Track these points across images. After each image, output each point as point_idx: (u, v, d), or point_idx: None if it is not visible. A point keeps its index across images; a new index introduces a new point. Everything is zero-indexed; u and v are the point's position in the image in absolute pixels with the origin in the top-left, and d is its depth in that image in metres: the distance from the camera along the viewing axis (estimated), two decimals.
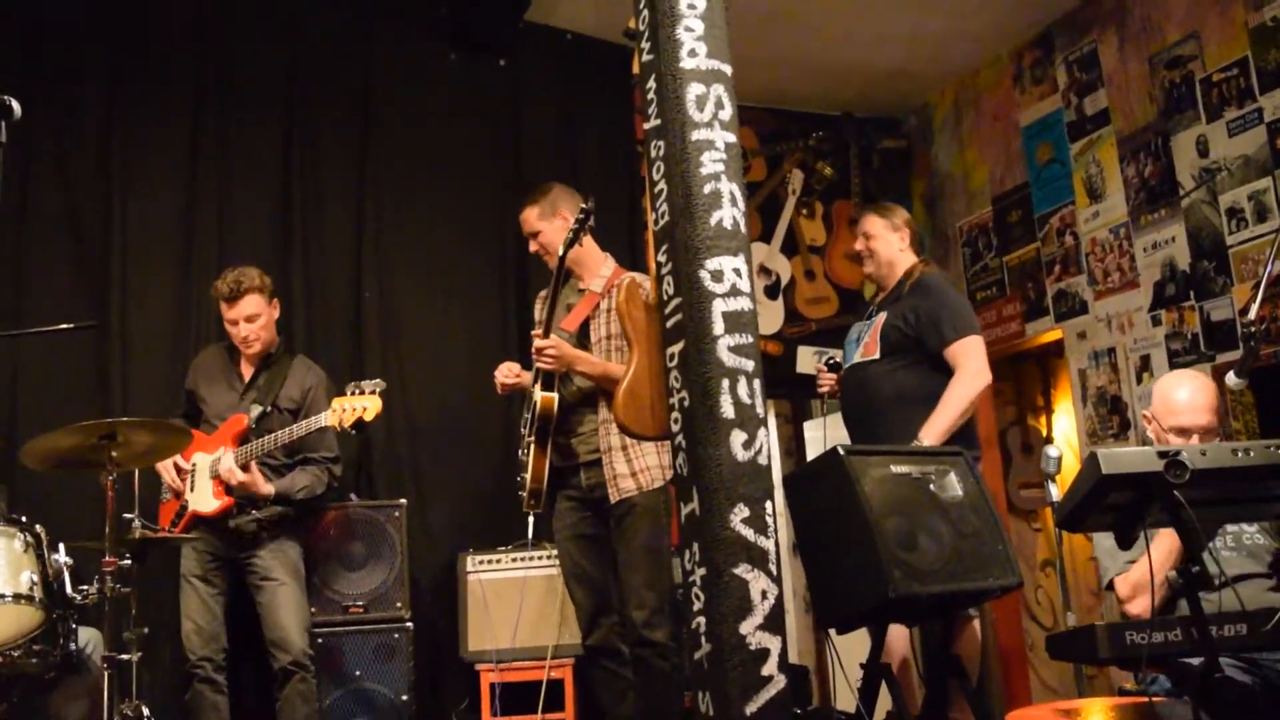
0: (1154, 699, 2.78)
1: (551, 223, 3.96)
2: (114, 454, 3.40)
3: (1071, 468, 3.21)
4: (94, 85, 4.93)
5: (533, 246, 4.05)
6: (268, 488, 4.07)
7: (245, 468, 4.00)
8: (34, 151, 4.70)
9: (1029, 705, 5.29)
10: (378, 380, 3.94)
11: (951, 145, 6.45)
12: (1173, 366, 4.92)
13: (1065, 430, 6.25)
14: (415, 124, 5.50)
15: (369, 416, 3.86)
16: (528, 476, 3.79)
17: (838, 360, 4.52)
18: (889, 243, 4.31)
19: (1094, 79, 5.50)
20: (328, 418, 3.89)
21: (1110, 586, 3.28)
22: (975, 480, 3.27)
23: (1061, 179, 5.69)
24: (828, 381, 4.46)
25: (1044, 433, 6.47)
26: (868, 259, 4.37)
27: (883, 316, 4.20)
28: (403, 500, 4.68)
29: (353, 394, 3.89)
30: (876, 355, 4.15)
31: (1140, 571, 3.10)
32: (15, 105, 2.52)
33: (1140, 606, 3.10)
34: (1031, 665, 5.92)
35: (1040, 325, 5.78)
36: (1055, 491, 3.43)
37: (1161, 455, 2.35)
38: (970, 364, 3.98)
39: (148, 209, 4.95)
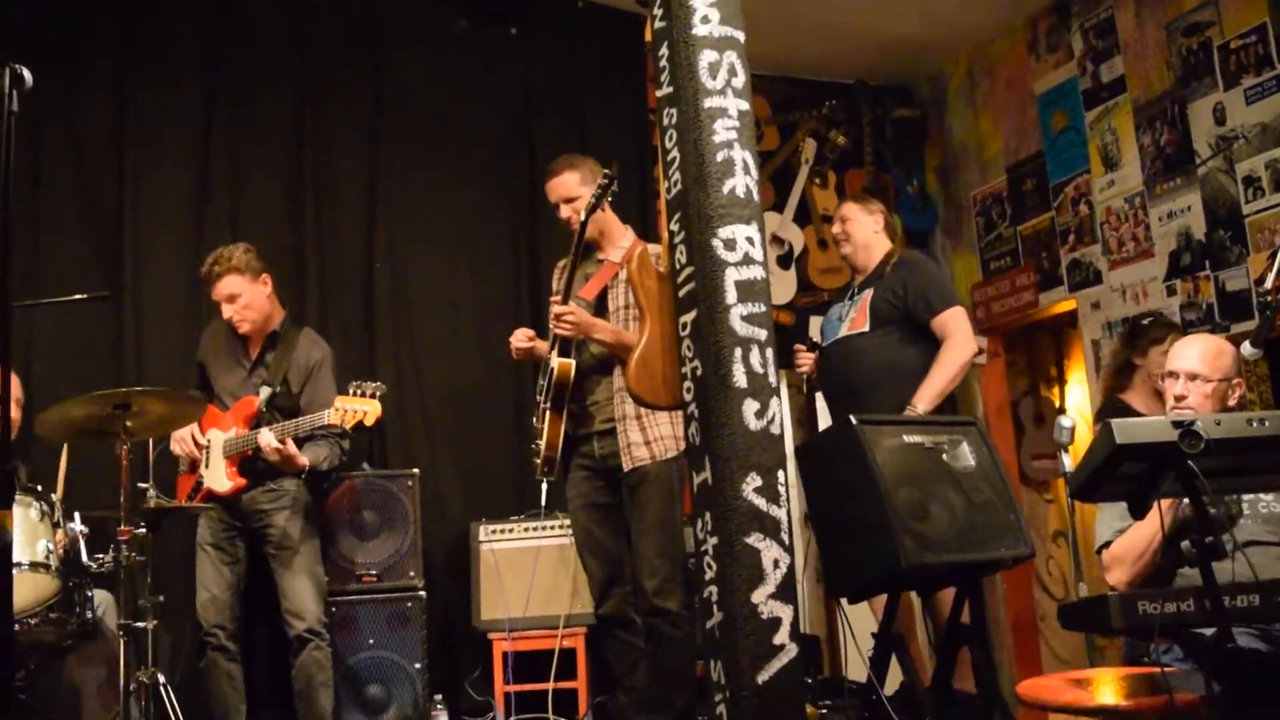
0: (1166, 669, 2.78)
1: (589, 189, 3.90)
2: (128, 424, 3.41)
3: (1085, 438, 3.19)
4: (105, 54, 4.92)
5: (565, 212, 3.98)
6: (304, 459, 4.08)
7: (283, 443, 4.00)
8: (45, 121, 4.70)
9: (1040, 675, 5.31)
10: (379, 384, 3.91)
11: (966, 114, 6.40)
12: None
13: (1078, 401, 6.23)
14: (427, 92, 5.49)
15: (369, 422, 3.85)
16: (542, 443, 3.79)
17: (816, 341, 4.60)
18: (863, 225, 4.50)
19: (1110, 46, 5.45)
20: (330, 415, 3.88)
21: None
22: (988, 450, 3.27)
23: (1076, 147, 5.64)
24: (807, 360, 4.52)
25: (1056, 403, 6.45)
26: (844, 241, 4.57)
27: (869, 292, 4.34)
28: (415, 470, 4.69)
29: (355, 394, 3.87)
30: (866, 328, 4.27)
31: (1121, 545, 3.11)
32: (27, 74, 2.51)
33: (1115, 578, 3.12)
34: (1042, 636, 5.93)
35: (1054, 295, 5.75)
36: (1068, 462, 3.42)
37: (1176, 425, 2.34)
38: (958, 333, 4.15)
39: (160, 179, 4.95)
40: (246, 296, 4.19)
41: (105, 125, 4.89)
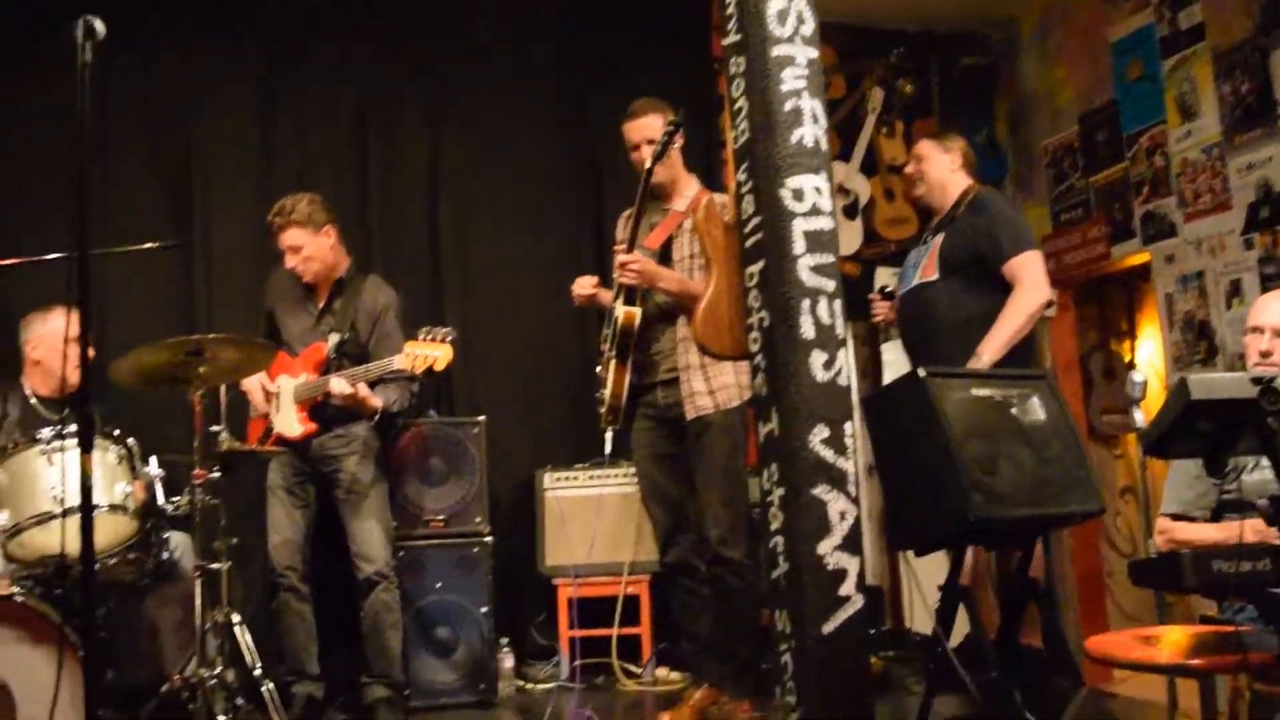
0: (1239, 628, 2.75)
1: None
2: (201, 370, 3.46)
3: (1157, 394, 3.14)
4: (172, 7, 4.97)
5: (646, 154, 3.90)
6: (377, 401, 4.13)
7: (354, 387, 4.04)
8: (113, 72, 4.74)
9: (1106, 630, 5.27)
10: (449, 329, 3.91)
11: (1037, 62, 6.26)
12: (1265, 291, 4.78)
13: (1150, 355, 6.13)
14: (489, 43, 5.48)
15: (439, 366, 3.86)
16: (607, 392, 3.81)
17: (891, 289, 4.50)
18: (939, 164, 4.30)
19: None
20: (400, 360, 3.90)
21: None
22: (1059, 405, 3.22)
23: (1152, 97, 5.50)
24: (882, 309, 4.44)
25: (1127, 358, 6.35)
26: (918, 181, 4.38)
27: (940, 237, 4.17)
28: (482, 417, 4.73)
29: (425, 339, 3.89)
30: (935, 276, 4.12)
31: (1183, 533, 3.07)
32: (99, 25, 2.54)
33: (1163, 545, 3.08)
34: (1109, 591, 5.88)
35: (1127, 248, 5.63)
36: (1140, 418, 3.38)
37: (1256, 381, 2.29)
38: (1029, 279, 3.96)
39: (228, 127, 5.01)
40: (309, 248, 4.23)
41: (173, 76, 4.96)
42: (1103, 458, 6.14)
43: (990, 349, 3.83)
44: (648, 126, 3.95)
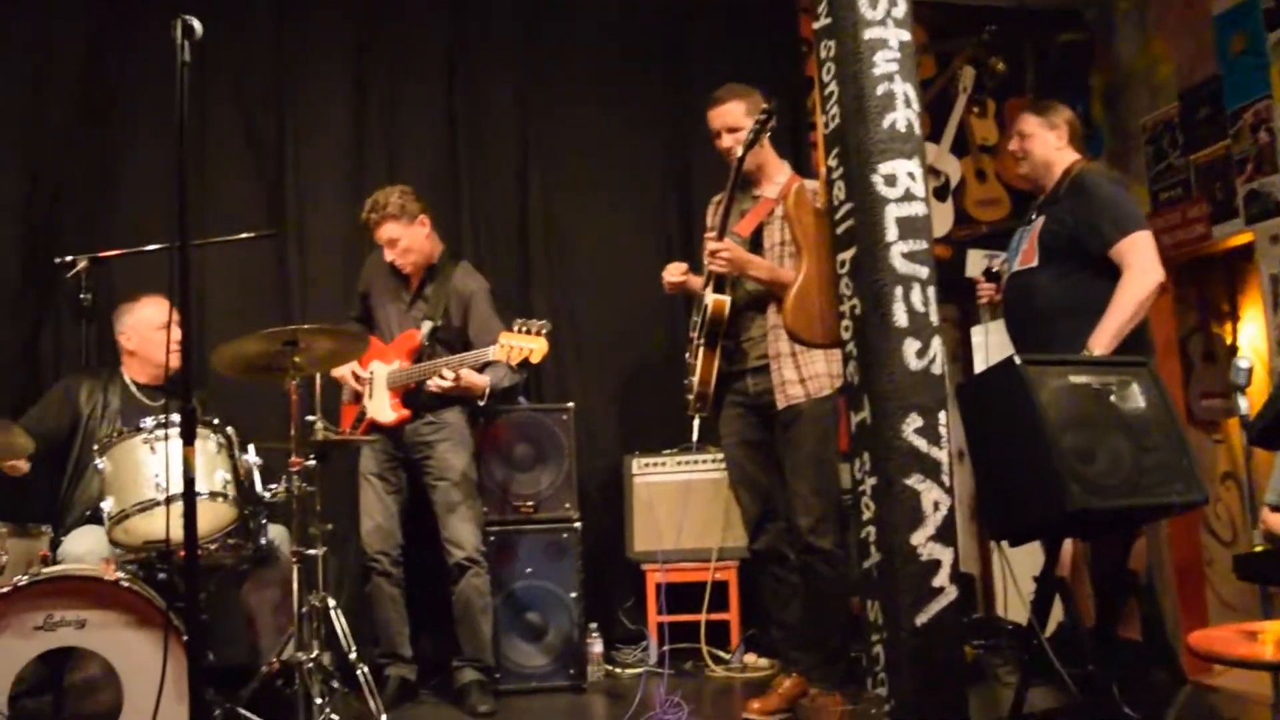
0: None
1: (753, 120, 3.82)
2: (296, 359, 3.52)
3: (1261, 380, 3.05)
4: (265, 2, 5.06)
5: (727, 141, 3.89)
6: (482, 381, 4.16)
7: (456, 377, 4.08)
8: (210, 67, 4.85)
9: (1205, 622, 5.16)
10: (544, 322, 3.92)
11: (1136, 36, 6.10)
12: None
13: (1252, 338, 5.95)
14: (576, 29, 5.48)
15: (535, 359, 3.86)
16: (695, 380, 3.79)
17: (996, 269, 4.37)
18: (1044, 141, 4.06)
19: None
20: (495, 352, 3.92)
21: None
22: (1160, 391, 3.15)
23: (1257, 71, 5.32)
24: (986, 291, 4.31)
25: (1228, 341, 6.18)
26: (1022, 159, 4.15)
27: (1040, 220, 3.97)
28: (570, 404, 4.74)
29: (520, 331, 3.90)
30: (1035, 263, 3.92)
31: None
32: (197, 25, 2.59)
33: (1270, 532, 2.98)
34: (1209, 581, 5.74)
35: (1229, 228, 5.47)
36: (1245, 405, 3.28)
37: None
38: (1139, 262, 3.71)
39: (319, 119, 5.08)
40: (405, 240, 4.27)
41: (266, 69, 5.04)
42: (1202, 443, 5.99)
43: (1099, 343, 3.62)
44: (729, 114, 3.91)
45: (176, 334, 3.89)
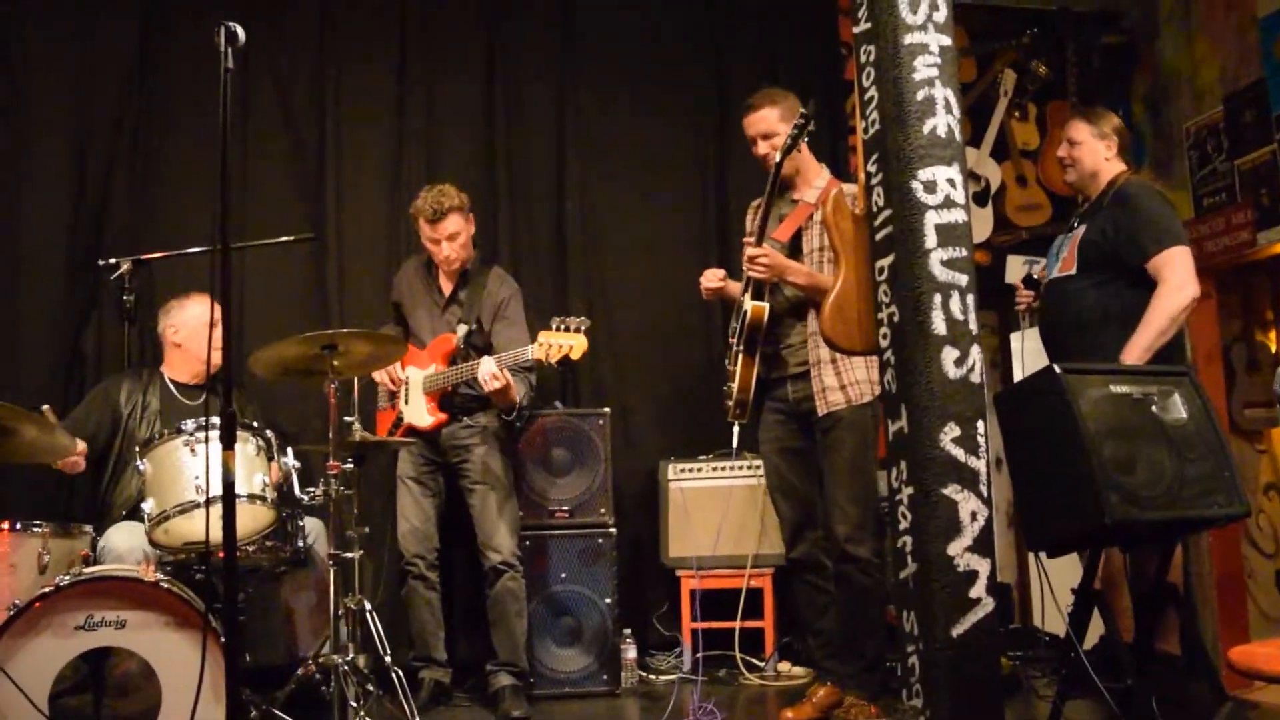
0: None
1: (789, 126, 3.77)
2: (335, 363, 3.54)
3: None
4: (306, 8, 5.10)
5: (763, 148, 3.90)
6: (517, 393, 4.16)
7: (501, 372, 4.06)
8: (252, 71, 4.90)
9: (1246, 637, 5.09)
10: (583, 318, 3.90)
11: (1179, 39, 6.03)
12: None
13: None
14: (615, 30, 5.49)
15: (575, 355, 3.84)
16: (734, 386, 3.78)
17: (1035, 276, 4.36)
18: (1094, 150, 4.07)
19: None
20: (534, 350, 3.91)
21: None
22: (1202, 401, 3.11)
23: None
24: (1025, 298, 4.31)
25: (1273, 349, 6.09)
26: (1070, 167, 4.15)
27: (1082, 229, 3.99)
28: (607, 409, 4.74)
29: (559, 329, 3.89)
30: (1074, 271, 3.94)
31: None
32: (240, 31, 2.61)
33: None
34: (1250, 594, 5.66)
35: (1274, 234, 5.39)
36: None
37: None
38: (1174, 277, 3.72)
39: (358, 124, 5.12)
40: (464, 235, 4.29)
41: (307, 74, 5.09)
42: (1244, 453, 5.91)
43: (1132, 355, 3.64)
44: (763, 120, 3.90)
45: (220, 333, 4.01)
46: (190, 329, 4.15)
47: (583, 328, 3.88)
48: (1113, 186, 3.98)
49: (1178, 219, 3.97)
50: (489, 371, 4.01)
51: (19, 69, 4.72)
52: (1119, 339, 3.69)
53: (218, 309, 4.10)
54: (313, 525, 3.92)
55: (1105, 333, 3.74)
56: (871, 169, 3.07)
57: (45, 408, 3.60)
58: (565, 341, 3.84)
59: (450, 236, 4.26)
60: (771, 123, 3.87)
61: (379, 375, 4.31)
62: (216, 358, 3.98)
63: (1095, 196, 4.04)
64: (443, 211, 4.22)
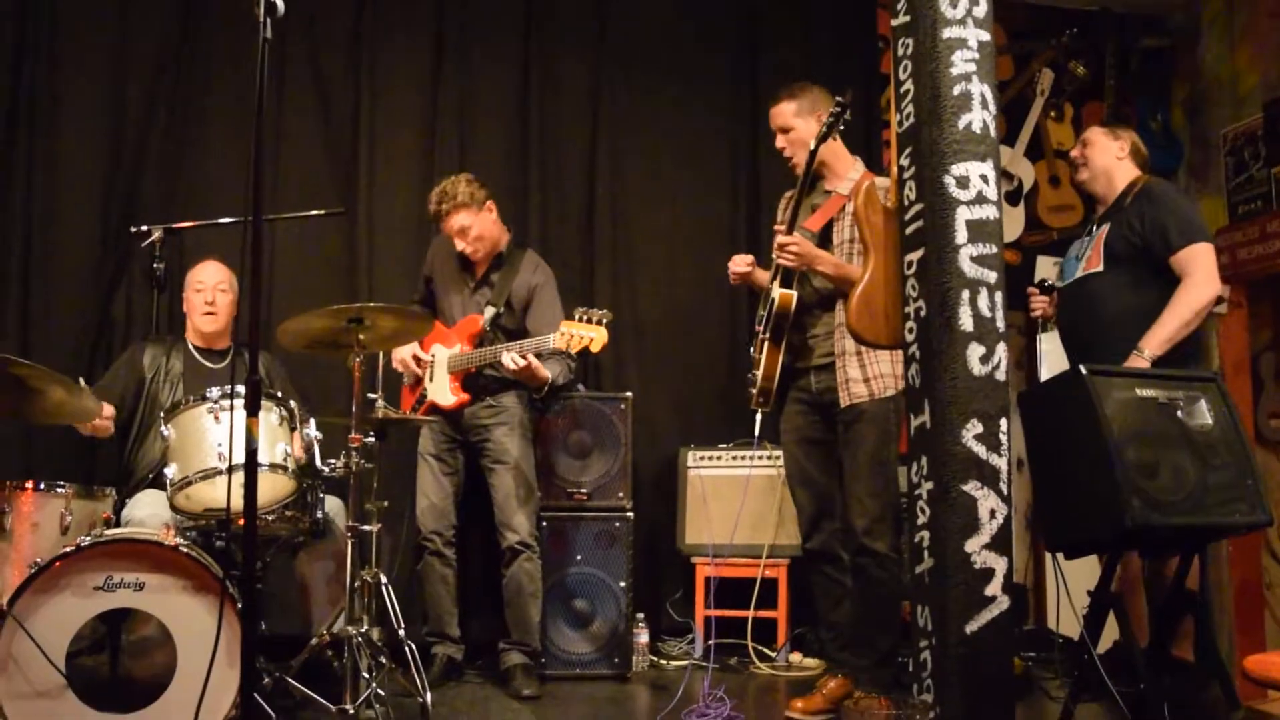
0: None
1: (807, 121, 3.82)
2: (361, 337, 3.55)
3: None
4: None
5: (780, 142, 3.92)
6: (545, 373, 4.18)
7: (524, 358, 4.09)
8: (288, 44, 4.91)
9: (1263, 646, 5.06)
10: (605, 311, 3.91)
11: (1221, 45, 5.97)
12: None
13: None
14: (649, 18, 5.48)
15: (595, 348, 3.85)
16: (759, 374, 3.77)
17: (1051, 281, 4.36)
18: (1105, 150, 4.12)
19: None
20: (556, 339, 3.92)
21: None
22: (1228, 409, 3.09)
23: None
24: (1040, 304, 4.30)
25: None
26: (1081, 166, 4.20)
27: (1106, 228, 4.00)
28: (629, 393, 4.74)
29: (581, 320, 3.89)
30: (1100, 268, 3.95)
31: None
32: (280, 2, 2.61)
33: None
34: (1268, 605, 5.63)
35: None
36: None
37: None
38: (1199, 272, 3.75)
39: (393, 101, 5.13)
40: (476, 228, 4.28)
41: (343, 49, 5.09)
42: (1269, 464, 5.87)
43: (1152, 344, 3.66)
44: (779, 114, 3.91)
45: (208, 299, 4.15)
46: (190, 289, 4.21)
47: (605, 320, 3.89)
48: (1133, 187, 4.02)
49: (1203, 218, 3.98)
50: (513, 359, 4.05)
51: (59, 38, 4.74)
52: (1142, 334, 3.69)
53: (215, 273, 4.17)
54: (332, 503, 3.94)
55: (1134, 330, 3.73)
56: (904, 162, 3.06)
57: (80, 380, 3.63)
58: (587, 333, 3.85)
59: (460, 232, 4.27)
60: (787, 117, 3.88)
61: (398, 364, 4.33)
62: (205, 324, 4.10)
63: (1112, 199, 4.07)
64: (441, 214, 4.27)
